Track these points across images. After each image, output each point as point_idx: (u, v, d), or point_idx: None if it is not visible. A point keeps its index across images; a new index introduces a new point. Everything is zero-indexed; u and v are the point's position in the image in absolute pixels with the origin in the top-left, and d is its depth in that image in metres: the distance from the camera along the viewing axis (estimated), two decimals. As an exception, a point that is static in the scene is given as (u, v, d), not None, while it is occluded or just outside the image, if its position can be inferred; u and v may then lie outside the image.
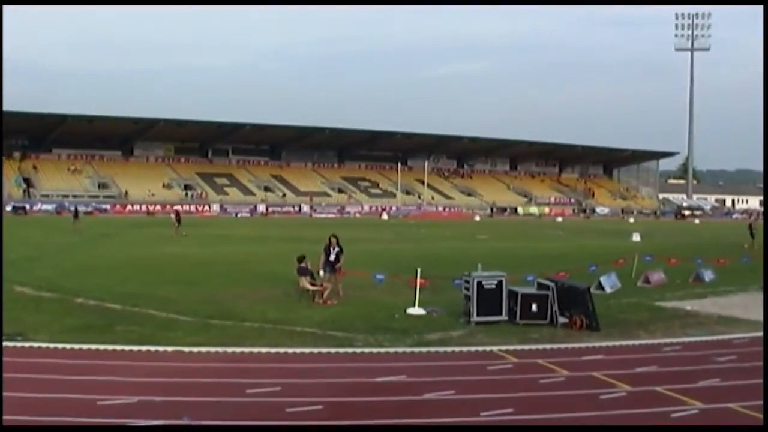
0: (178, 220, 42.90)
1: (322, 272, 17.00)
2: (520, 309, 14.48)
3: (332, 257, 17.09)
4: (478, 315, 14.43)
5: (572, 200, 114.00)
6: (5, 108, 66.88)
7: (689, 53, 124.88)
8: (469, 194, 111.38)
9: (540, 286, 15.11)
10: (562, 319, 14.50)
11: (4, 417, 8.13)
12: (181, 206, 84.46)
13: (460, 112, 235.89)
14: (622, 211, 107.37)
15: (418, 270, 16.52)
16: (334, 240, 17.23)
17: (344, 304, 16.58)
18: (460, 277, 15.36)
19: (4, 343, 11.69)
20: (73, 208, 54.06)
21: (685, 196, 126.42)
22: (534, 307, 14.49)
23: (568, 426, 8.49)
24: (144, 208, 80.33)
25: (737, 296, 18.76)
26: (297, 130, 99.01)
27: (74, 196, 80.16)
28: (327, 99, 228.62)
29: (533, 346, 12.76)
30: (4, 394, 8.94)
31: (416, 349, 12.38)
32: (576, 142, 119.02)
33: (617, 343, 13.18)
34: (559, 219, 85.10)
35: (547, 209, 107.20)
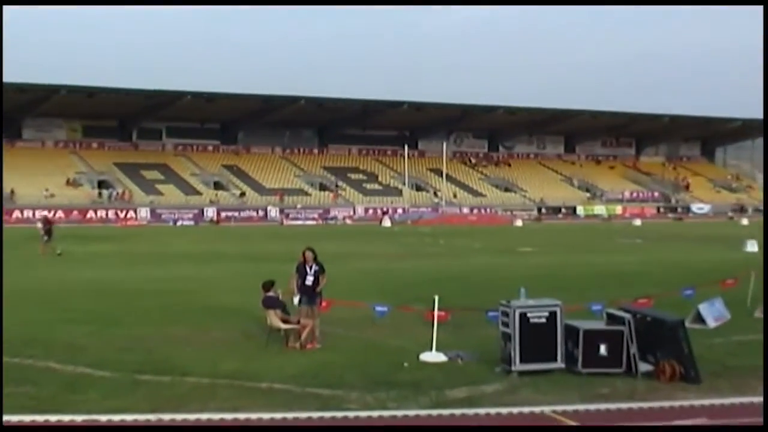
0: (48, 231, 41.70)
1: (296, 300, 16.95)
2: (582, 352, 14.41)
3: (309, 280, 17.02)
4: (521, 361, 14.36)
5: (656, 194, 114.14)
6: None
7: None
8: (507, 189, 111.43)
9: (611, 318, 15.04)
10: (644, 367, 14.42)
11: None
12: (90, 210, 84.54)
13: (490, 73, 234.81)
14: (742, 209, 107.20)
15: (436, 298, 16.46)
16: (310, 255, 17.16)
17: (330, 348, 16.51)
18: (496, 308, 15.29)
19: None
20: None
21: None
22: (603, 349, 14.41)
23: None
24: (39, 214, 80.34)
25: None
26: (260, 100, 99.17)
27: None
28: (303, 56, 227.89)
29: (603, 406, 12.69)
30: None
31: (434, 412, 12.32)
32: (660, 110, 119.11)
33: (726, 401, 13.11)
34: (638, 222, 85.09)
35: (619, 208, 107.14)
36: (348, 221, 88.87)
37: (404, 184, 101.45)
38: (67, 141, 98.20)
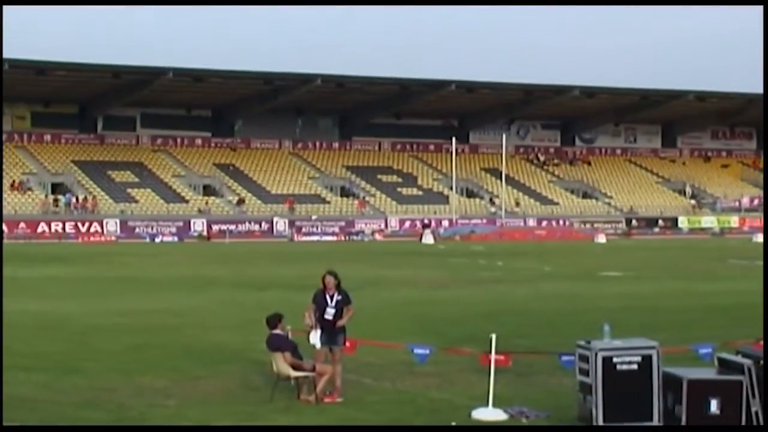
0: None
1: (316, 340, 16.84)
2: (687, 409, 14.31)
3: (330, 314, 16.99)
4: (606, 420, 14.29)
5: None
6: None
7: None
8: (586, 194, 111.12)
9: (725, 365, 14.94)
10: (768, 428, 14.31)
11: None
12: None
13: (562, 43, 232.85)
14: None
15: (494, 338, 16.42)
16: (331, 281, 17.11)
17: (355, 402, 16.53)
18: (572, 351, 15.26)
19: None
20: None
21: None
22: (714, 405, 14.31)
23: None
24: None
25: None
26: (264, 79, 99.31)
27: None
28: (319, 24, 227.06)
29: (714, 480, 12.60)
30: None
31: (492, 488, 12.30)
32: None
33: None
34: (759, 237, 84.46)
35: (735, 219, 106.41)
36: (378, 237, 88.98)
37: (451, 188, 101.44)
38: (11, 132, 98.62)
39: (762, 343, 18.91)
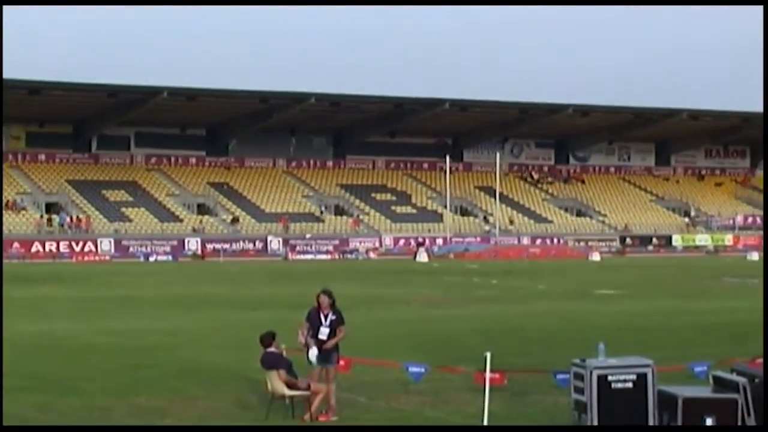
0: None
1: (312, 354, 16.79)
2: (682, 426, 14.31)
3: (324, 333, 16.96)
4: (602, 439, 14.28)
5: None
6: None
7: None
8: (580, 212, 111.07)
9: (720, 383, 14.92)
10: (763, 446, 14.29)
11: None
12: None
13: (555, 61, 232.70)
14: None
15: (488, 356, 16.41)
16: (326, 300, 17.08)
17: (350, 421, 16.50)
18: (567, 370, 15.25)
19: None
20: None
21: None
22: (709, 422, 14.30)
23: None
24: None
25: None
26: (258, 98, 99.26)
27: None
28: (312, 45, 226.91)
29: (709, 498, 12.58)
30: None
31: (487, 507, 12.27)
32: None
33: None
34: (754, 256, 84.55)
35: (729, 238, 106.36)
36: (372, 255, 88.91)
37: (445, 206, 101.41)
38: (5, 152, 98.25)
39: (758, 361, 18.93)
